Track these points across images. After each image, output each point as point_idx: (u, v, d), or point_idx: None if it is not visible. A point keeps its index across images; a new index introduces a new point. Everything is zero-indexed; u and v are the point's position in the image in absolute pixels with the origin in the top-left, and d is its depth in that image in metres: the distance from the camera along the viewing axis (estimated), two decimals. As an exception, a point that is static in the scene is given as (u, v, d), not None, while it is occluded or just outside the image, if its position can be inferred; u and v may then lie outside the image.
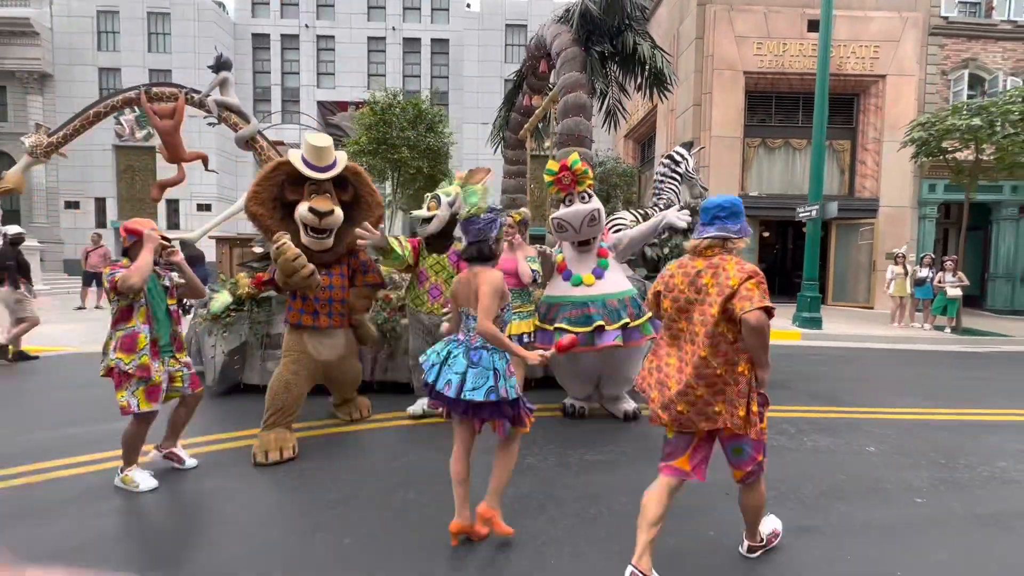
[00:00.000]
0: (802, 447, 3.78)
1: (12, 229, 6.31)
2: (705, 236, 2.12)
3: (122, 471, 2.90)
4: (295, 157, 3.68)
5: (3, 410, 4.34)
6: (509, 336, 3.98)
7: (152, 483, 2.89)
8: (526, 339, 4.02)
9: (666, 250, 5.96)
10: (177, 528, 2.59)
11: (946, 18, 13.61)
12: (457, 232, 4.04)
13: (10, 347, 5.88)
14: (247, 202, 3.66)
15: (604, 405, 4.45)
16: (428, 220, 4.06)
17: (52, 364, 6.07)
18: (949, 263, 9.97)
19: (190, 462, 3.22)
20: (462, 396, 2.18)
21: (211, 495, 2.89)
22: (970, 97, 13.12)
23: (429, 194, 4.19)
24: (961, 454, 3.71)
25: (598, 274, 4.03)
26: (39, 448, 3.44)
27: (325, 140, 3.69)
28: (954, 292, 9.79)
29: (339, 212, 3.68)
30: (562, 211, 3.92)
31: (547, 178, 3.97)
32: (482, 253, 2.39)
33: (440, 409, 2.43)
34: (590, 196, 3.95)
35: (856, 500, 2.94)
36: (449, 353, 2.34)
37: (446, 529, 2.48)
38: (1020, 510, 2.89)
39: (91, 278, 11.14)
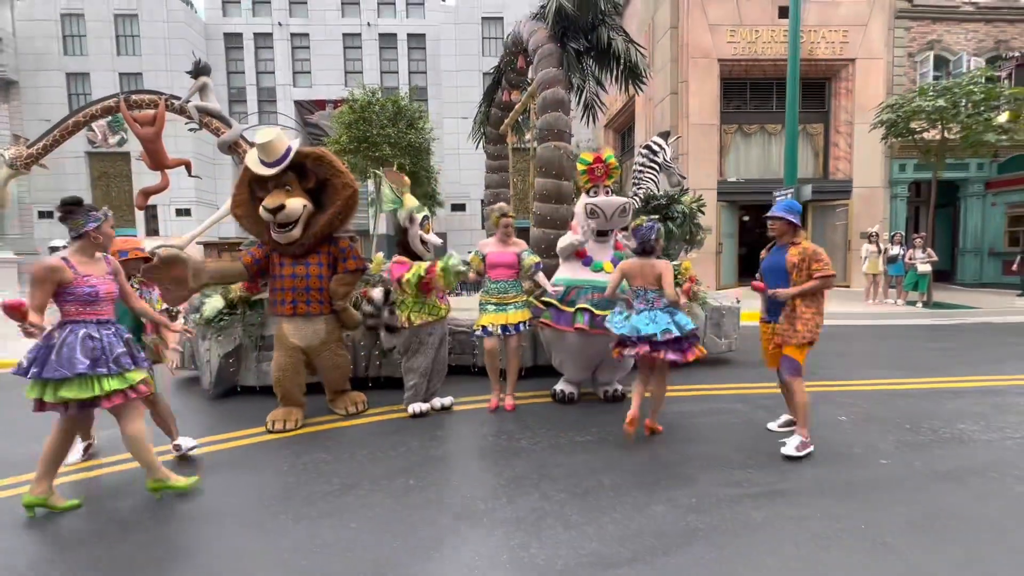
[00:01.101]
0: (777, 419, 3.99)
1: (56, 243, 6.52)
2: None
3: None
4: (251, 158, 3.77)
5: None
6: (507, 323, 4.17)
7: (75, 457, 3.37)
8: (522, 327, 4.20)
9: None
10: (190, 520, 2.70)
11: (911, 1, 13.98)
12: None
13: None
14: (231, 207, 3.78)
15: (595, 388, 4.65)
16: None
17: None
18: (918, 240, 10.35)
19: (186, 442, 3.47)
20: (645, 334, 3.37)
21: (219, 490, 3.00)
22: (936, 78, 13.53)
23: (423, 213, 4.23)
24: (925, 419, 3.97)
25: (615, 263, 4.26)
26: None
27: (269, 134, 3.77)
28: (924, 268, 10.18)
29: (292, 204, 3.77)
30: (597, 199, 4.16)
31: (580, 167, 4.25)
32: (651, 248, 3.56)
33: (630, 352, 3.53)
34: (612, 191, 4.25)
35: (825, 464, 3.17)
36: (630, 316, 3.54)
37: (445, 510, 2.66)
38: (975, 466, 3.14)
39: None
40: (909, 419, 3.97)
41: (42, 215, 22.27)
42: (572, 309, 4.14)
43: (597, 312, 4.05)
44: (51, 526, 2.62)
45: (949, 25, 14.27)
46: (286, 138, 3.89)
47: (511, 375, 4.37)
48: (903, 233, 11.37)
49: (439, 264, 4.01)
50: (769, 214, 3.43)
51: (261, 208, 3.78)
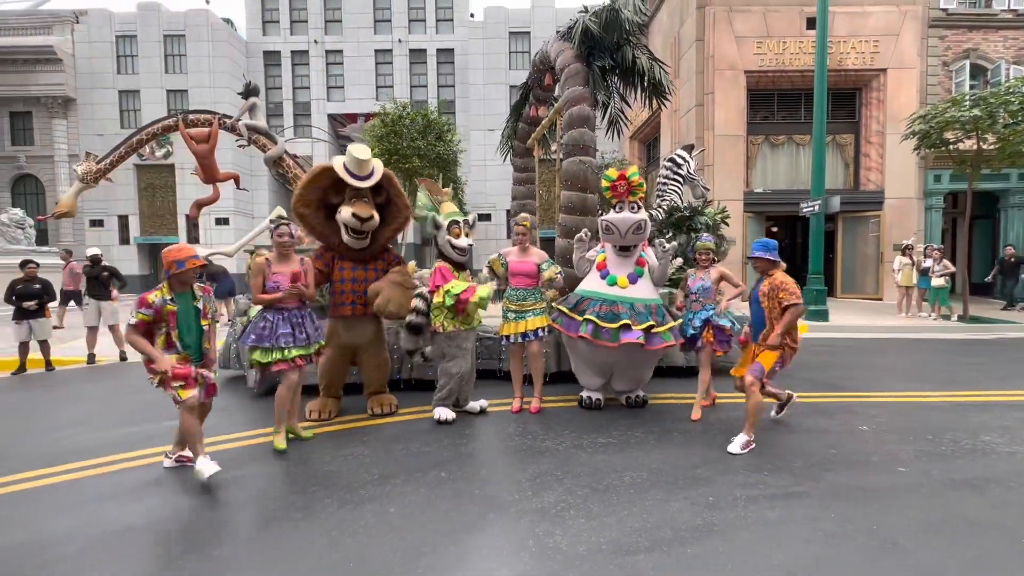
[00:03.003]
0: (798, 428, 4.09)
1: (91, 251, 6.91)
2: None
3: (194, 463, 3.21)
4: (338, 165, 4.12)
5: (72, 410, 4.83)
6: (527, 331, 4.35)
7: (213, 468, 3.11)
8: (541, 333, 4.40)
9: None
10: (245, 503, 2.98)
11: (945, 10, 13.74)
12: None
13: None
14: (294, 203, 4.19)
15: (617, 396, 4.80)
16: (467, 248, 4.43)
17: (87, 373, 6.58)
18: (936, 253, 10.12)
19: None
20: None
21: (268, 477, 3.29)
22: (972, 87, 13.23)
23: (458, 218, 4.39)
24: (948, 430, 3.99)
25: (632, 279, 4.41)
26: (105, 444, 3.89)
27: (367, 153, 4.17)
28: (938, 282, 9.95)
29: (377, 216, 4.22)
30: (612, 215, 4.31)
31: (604, 183, 4.43)
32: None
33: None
34: (639, 207, 4.36)
35: (843, 470, 3.26)
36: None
37: (476, 500, 2.89)
38: (995, 475, 3.18)
39: (68, 297, 10.28)
40: (931, 430, 4.00)
41: (93, 223, 23.62)
42: (580, 318, 4.27)
43: (602, 324, 4.15)
44: (127, 508, 2.94)
45: (986, 33, 13.97)
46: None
47: (536, 379, 4.57)
48: (935, 245, 11.12)
49: (475, 295, 4.12)
50: (750, 255, 3.90)
51: (350, 214, 4.08)
